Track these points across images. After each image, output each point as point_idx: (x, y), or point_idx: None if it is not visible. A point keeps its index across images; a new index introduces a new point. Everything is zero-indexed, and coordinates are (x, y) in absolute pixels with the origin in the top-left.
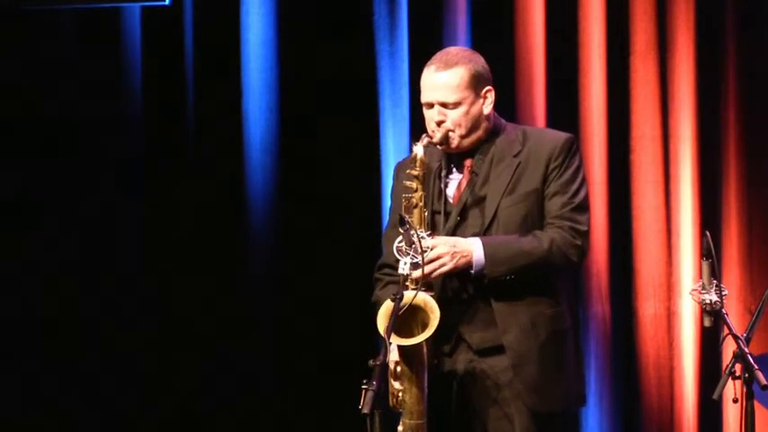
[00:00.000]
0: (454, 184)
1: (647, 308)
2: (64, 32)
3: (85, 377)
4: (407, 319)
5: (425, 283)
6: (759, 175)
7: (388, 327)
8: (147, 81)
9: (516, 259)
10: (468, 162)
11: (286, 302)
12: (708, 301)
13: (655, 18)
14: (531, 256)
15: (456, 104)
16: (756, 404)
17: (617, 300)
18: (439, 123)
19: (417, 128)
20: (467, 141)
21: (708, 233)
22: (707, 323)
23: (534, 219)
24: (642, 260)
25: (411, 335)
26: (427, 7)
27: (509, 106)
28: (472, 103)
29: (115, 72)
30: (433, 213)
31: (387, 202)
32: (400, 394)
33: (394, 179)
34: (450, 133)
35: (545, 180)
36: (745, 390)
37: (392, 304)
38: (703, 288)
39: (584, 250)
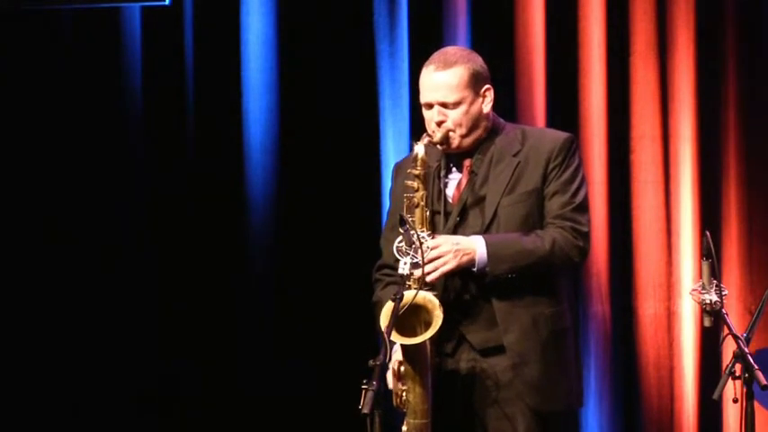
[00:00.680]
0: (453, 183)
1: (647, 308)
2: (64, 32)
3: (85, 377)
4: (410, 319)
5: (427, 283)
6: (759, 175)
7: (388, 327)
8: (147, 81)
9: (518, 258)
10: (467, 162)
11: (286, 302)
12: (708, 301)
13: (655, 18)
14: (532, 255)
15: (456, 104)
16: (756, 404)
17: (617, 300)
18: (439, 123)
19: (417, 128)
20: (467, 141)
21: (708, 233)
22: (707, 323)
23: (534, 218)
24: (642, 260)
25: (414, 334)
26: (427, 7)
27: (509, 106)
28: (472, 103)
29: (115, 72)
30: (433, 213)
31: (386, 201)
32: (404, 394)
33: (392, 180)
34: (451, 133)
35: (545, 179)
36: (745, 390)
37: (393, 304)
38: (703, 288)
39: (585, 251)
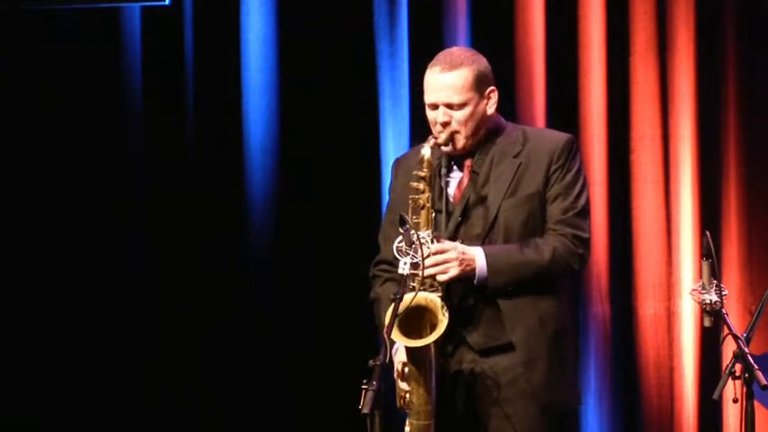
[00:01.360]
0: (454, 183)
1: (647, 308)
2: (64, 32)
3: (85, 376)
4: (415, 321)
5: (432, 284)
6: (759, 175)
7: (387, 327)
8: (147, 81)
9: (518, 270)
10: (468, 161)
11: (286, 302)
12: (708, 301)
13: (655, 18)
14: (532, 266)
15: (461, 105)
16: (756, 404)
17: (617, 300)
18: (444, 124)
19: (417, 128)
20: (471, 142)
21: (708, 233)
22: (707, 323)
23: (536, 221)
24: (642, 260)
25: (419, 336)
26: (427, 7)
27: (509, 106)
28: (477, 104)
29: (115, 72)
30: (435, 212)
31: (386, 201)
32: (407, 395)
33: (392, 175)
34: (456, 134)
35: (546, 182)
36: (745, 390)
37: (393, 305)
38: (703, 288)
39: (585, 258)
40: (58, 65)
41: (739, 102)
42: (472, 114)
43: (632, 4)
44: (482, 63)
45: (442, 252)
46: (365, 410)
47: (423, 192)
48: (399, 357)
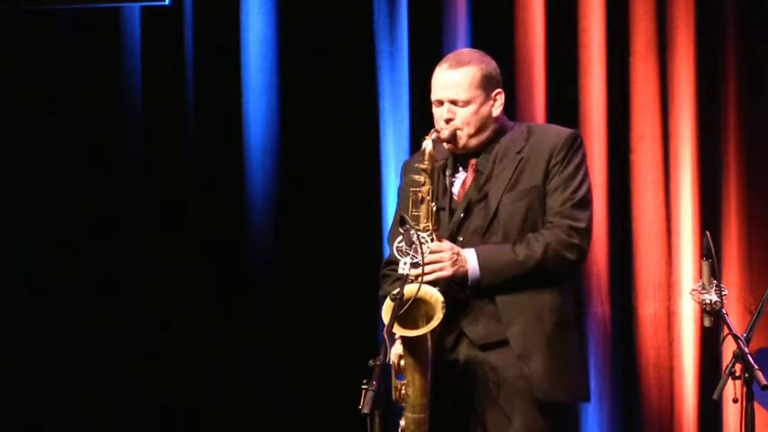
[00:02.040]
0: (459, 182)
1: (647, 308)
2: (64, 32)
3: (85, 376)
4: (412, 312)
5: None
6: (759, 175)
7: (387, 327)
8: (147, 81)
9: (510, 269)
10: (473, 161)
11: (286, 302)
12: (708, 301)
13: (655, 18)
14: (524, 265)
15: (466, 103)
16: (756, 404)
17: (617, 300)
18: (448, 121)
19: (417, 128)
20: (474, 141)
21: (708, 233)
22: (707, 323)
23: (536, 215)
24: (642, 260)
25: (416, 327)
26: (427, 7)
27: (509, 106)
28: (482, 104)
29: (115, 72)
30: (438, 210)
31: (387, 201)
32: (403, 388)
33: (401, 177)
34: (459, 132)
35: (546, 176)
36: (745, 390)
37: (392, 304)
38: (703, 288)
39: (582, 248)
40: (58, 65)
41: (739, 102)
42: (476, 113)
43: (632, 4)
44: (490, 65)
45: (437, 252)
46: (365, 410)
47: (423, 184)
48: (396, 350)
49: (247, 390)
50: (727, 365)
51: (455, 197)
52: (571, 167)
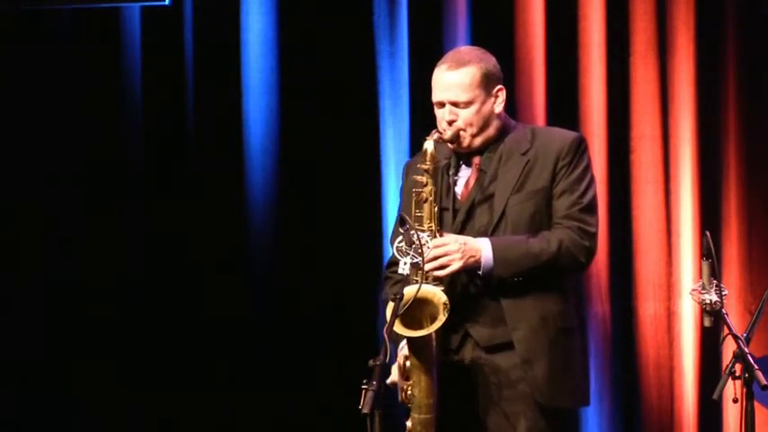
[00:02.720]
0: (462, 181)
1: (647, 308)
2: (64, 32)
3: (86, 376)
4: (417, 312)
5: (434, 278)
6: (759, 175)
7: (387, 326)
8: (147, 81)
9: (525, 261)
10: (476, 160)
11: (286, 302)
12: (708, 301)
13: (655, 18)
14: (539, 258)
15: (467, 103)
16: (756, 404)
17: (617, 300)
18: (450, 122)
19: (417, 128)
20: (477, 140)
21: (708, 233)
22: (707, 323)
23: (542, 217)
24: (642, 260)
25: (420, 327)
26: (427, 7)
27: (509, 106)
28: (483, 103)
29: (115, 72)
30: (441, 210)
31: (387, 201)
32: (409, 389)
33: (403, 178)
34: (462, 132)
35: (553, 179)
36: (745, 390)
37: (393, 304)
38: (703, 288)
39: (592, 251)
40: (58, 65)
41: (739, 102)
42: (478, 112)
43: (632, 4)
44: (490, 62)
45: (441, 246)
46: (365, 410)
47: (425, 185)
48: (402, 351)
49: (247, 389)
50: (727, 365)
51: (458, 197)
52: (578, 171)
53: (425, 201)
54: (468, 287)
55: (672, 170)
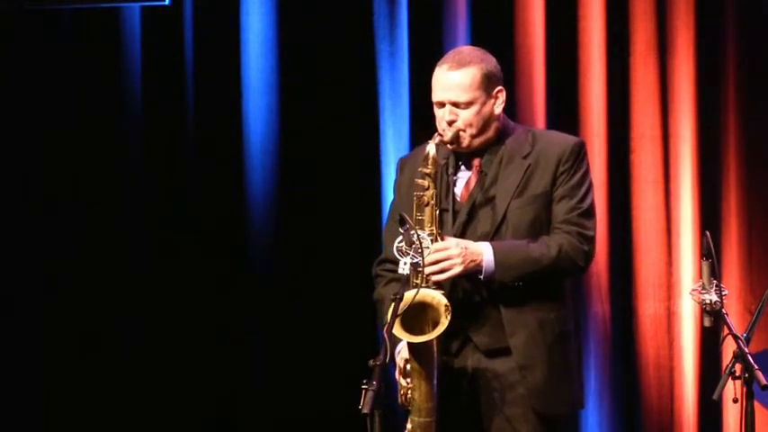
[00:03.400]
0: (462, 182)
1: (647, 308)
2: (64, 32)
3: (87, 377)
4: (418, 317)
5: (435, 282)
6: (759, 175)
7: (387, 327)
8: (147, 81)
9: (525, 265)
10: (476, 161)
11: (286, 302)
12: (708, 301)
13: (655, 18)
14: (539, 262)
15: (468, 104)
16: (756, 404)
17: (617, 300)
18: (450, 123)
19: (417, 128)
20: (477, 141)
21: (708, 233)
22: (707, 323)
23: (542, 221)
24: (642, 260)
25: (422, 332)
26: (427, 7)
27: (509, 106)
28: (484, 103)
29: (115, 72)
30: (441, 211)
31: (386, 201)
32: (409, 392)
33: (397, 174)
34: (461, 133)
35: (554, 183)
36: (745, 390)
37: (393, 305)
38: (703, 288)
39: (591, 255)
40: (58, 65)
41: (739, 102)
42: (478, 113)
43: (632, 4)
44: (491, 62)
45: (442, 250)
46: (365, 410)
47: (427, 189)
48: (402, 354)
49: (247, 390)
50: (727, 365)
51: (458, 198)
52: (578, 176)
53: (427, 204)
54: (468, 291)
55: (672, 170)
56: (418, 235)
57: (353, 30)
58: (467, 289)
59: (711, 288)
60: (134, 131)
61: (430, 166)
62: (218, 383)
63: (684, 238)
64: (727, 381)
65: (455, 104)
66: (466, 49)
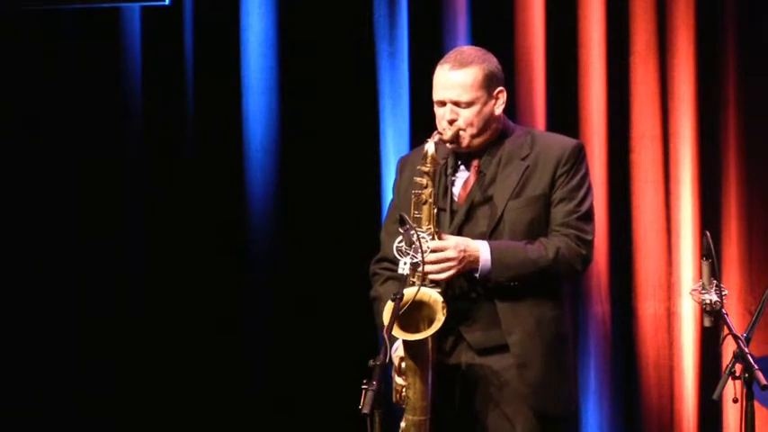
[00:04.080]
0: (460, 182)
1: (647, 308)
2: (64, 32)
3: (87, 377)
4: (414, 315)
5: (432, 280)
6: (759, 174)
7: (387, 327)
8: (147, 81)
9: (522, 267)
10: (475, 162)
11: (286, 301)
12: (708, 301)
13: (655, 18)
14: (536, 264)
15: (468, 104)
16: (756, 404)
17: (617, 300)
18: (450, 122)
19: (417, 128)
20: (477, 141)
21: (708, 233)
22: (707, 323)
23: (540, 223)
24: (642, 260)
25: (417, 330)
26: (427, 7)
27: (509, 106)
28: (484, 104)
29: (115, 72)
30: (438, 211)
31: (387, 201)
32: (404, 390)
33: (397, 173)
34: (461, 132)
35: (552, 185)
36: (745, 390)
37: (393, 304)
38: (703, 288)
39: (588, 259)
40: (58, 65)
41: (739, 102)
42: (479, 113)
43: (632, 4)
44: (492, 63)
45: (440, 250)
46: (365, 410)
47: (425, 187)
48: (397, 352)
49: (246, 389)
50: (727, 365)
51: (456, 198)
52: (577, 179)
53: (425, 203)
54: (463, 289)
55: (672, 170)
56: (418, 235)
57: (353, 30)
58: (462, 287)
59: (711, 288)
60: (134, 131)
61: (429, 165)
62: (218, 383)
63: (684, 238)
64: (727, 381)
65: (456, 104)
66: (468, 49)
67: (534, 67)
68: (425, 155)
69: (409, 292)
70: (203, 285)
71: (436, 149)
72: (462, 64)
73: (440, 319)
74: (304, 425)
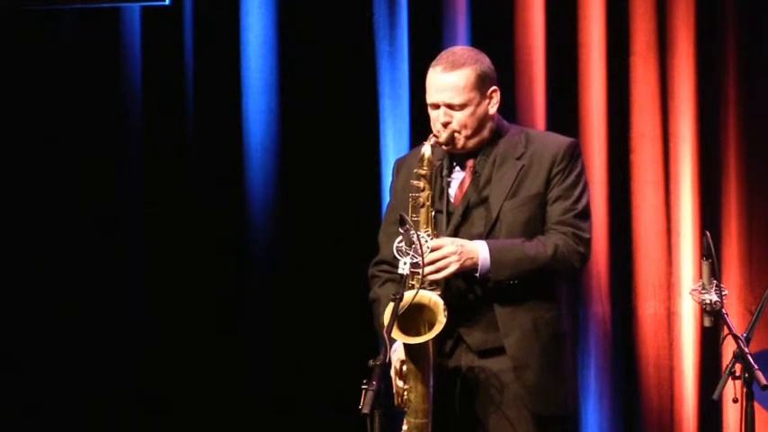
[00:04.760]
0: (456, 183)
1: (647, 308)
2: (64, 32)
3: (88, 377)
4: (414, 318)
5: (431, 282)
6: (759, 174)
7: (387, 327)
8: (147, 81)
9: (521, 264)
10: (470, 162)
11: (286, 301)
12: (708, 301)
13: (655, 18)
14: (535, 261)
15: (462, 106)
16: (756, 404)
17: (617, 300)
18: (445, 124)
19: (417, 128)
20: (472, 142)
21: (708, 233)
22: (707, 323)
23: (537, 222)
24: (642, 260)
25: (418, 333)
26: (427, 7)
27: (509, 106)
28: (478, 104)
29: (115, 72)
30: (435, 212)
31: (386, 201)
32: (405, 393)
33: (393, 175)
34: (456, 134)
35: (548, 184)
36: (745, 390)
37: (393, 305)
38: (703, 288)
39: (586, 257)
40: (58, 65)
41: (739, 102)
42: (473, 114)
43: (632, 4)
44: (485, 63)
45: (439, 248)
46: (365, 410)
47: (423, 190)
48: (398, 355)
49: (247, 389)
50: (727, 365)
51: (452, 199)
52: (572, 177)
53: (422, 206)
54: (462, 292)
55: (672, 170)
56: (418, 235)
57: (353, 30)
58: (460, 288)
59: (711, 288)
60: (134, 131)
61: (425, 168)
62: (218, 383)
63: (684, 238)
64: (727, 381)
65: (449, 106)
66: (459, 50)
67: (534, 67)
68: (422, 157)
69: (408, 294)
70: (203, 285)
71: (432, 151)
72: (454, 66)
73: (441, 321)
74: (304, 425)
